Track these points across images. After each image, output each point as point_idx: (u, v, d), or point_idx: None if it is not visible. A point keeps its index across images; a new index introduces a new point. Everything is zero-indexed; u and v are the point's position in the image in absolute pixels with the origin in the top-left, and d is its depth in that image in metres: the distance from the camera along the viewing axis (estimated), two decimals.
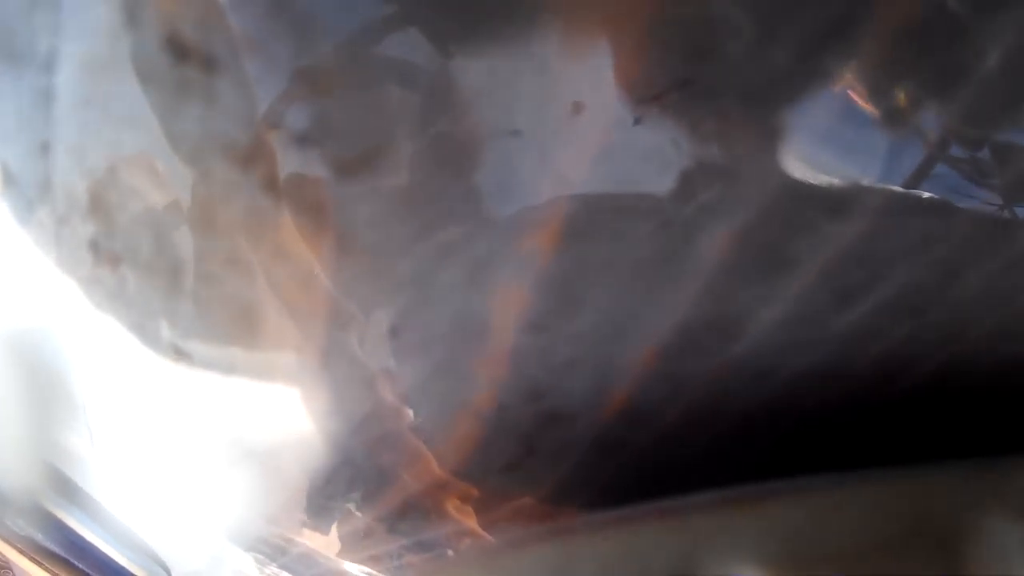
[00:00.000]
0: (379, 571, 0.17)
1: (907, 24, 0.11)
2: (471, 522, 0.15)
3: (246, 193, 0.12)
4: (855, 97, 0.11)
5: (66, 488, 0.20)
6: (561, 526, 0.15)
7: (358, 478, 0.15)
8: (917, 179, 0.12)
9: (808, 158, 0.12)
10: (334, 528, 0.16)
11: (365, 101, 0.11)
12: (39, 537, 0.22)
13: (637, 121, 0.11)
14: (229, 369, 0.14)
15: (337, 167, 0.11)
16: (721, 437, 0.14)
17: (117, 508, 0.20)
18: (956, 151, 0.12)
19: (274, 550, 0.18)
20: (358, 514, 0.15)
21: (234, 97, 0.12)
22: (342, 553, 0.17)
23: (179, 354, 0.14)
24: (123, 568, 0.22)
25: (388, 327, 0.12)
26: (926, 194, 0.12)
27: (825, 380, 0.13)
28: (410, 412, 0.13)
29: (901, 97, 0.11)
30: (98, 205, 0.14)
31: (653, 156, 0.11)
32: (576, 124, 0.11)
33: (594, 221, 0.11)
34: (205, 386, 0.15)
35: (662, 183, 0.11)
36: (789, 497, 0.13)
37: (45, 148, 0.14)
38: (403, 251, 0.12)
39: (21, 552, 0.23)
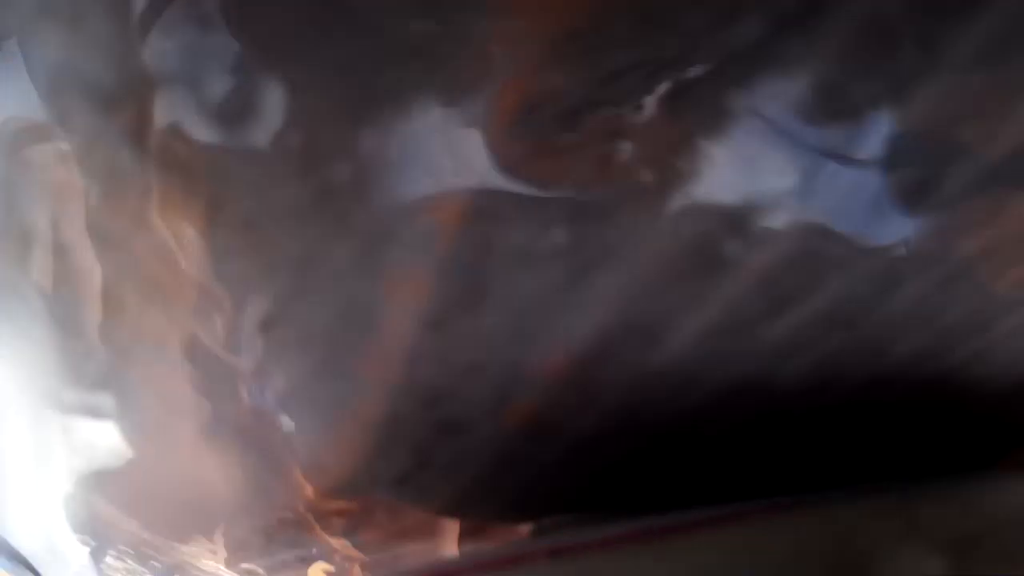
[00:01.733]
0: None
1: (874, 17, 0.10)
2: (350, 538, 0.14)
3: (108, 145, 0.10)
4: (812, 89, 0.10)
5: None
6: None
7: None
8: (861, 185, 0.11)
9: (754, 150, 0.11)
10: (208, 538, 0.14)
11: (251, 42, 0.09)
12: None
13: (561, 96, 0.09)
14: (85, 355, 0.12)
15: (212, 118, 0.10)
16: (636, 452, 0.12)
17: None
18: (902, 159, 0.11)
19: (145, 558, 0.17)
20: (232, 524, 0.14)
21: (102, 26, 0.10)
22: (216, 562, 0.16)
23: (27, 338, 0.13)
24: None
25: (261, 317, 0.11)
26: (869, 201, 0.11)
27: (751, 393, 0.12)
28: (284, 418, 0.12)
29: (857, 94, 0.10)
30: None
31: (582, 137, 0.10)
32: (497, 85, 0.09)
33: (504, 200, 0.10)
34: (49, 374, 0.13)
35: (592, 171, 0.10)
36: (700, 533, 0.12)
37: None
38: (283, 225, 0.10)
39: None
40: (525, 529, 0.13)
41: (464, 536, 0.14)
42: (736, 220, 0.11)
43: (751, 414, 0.12)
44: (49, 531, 0.18)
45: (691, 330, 0.12)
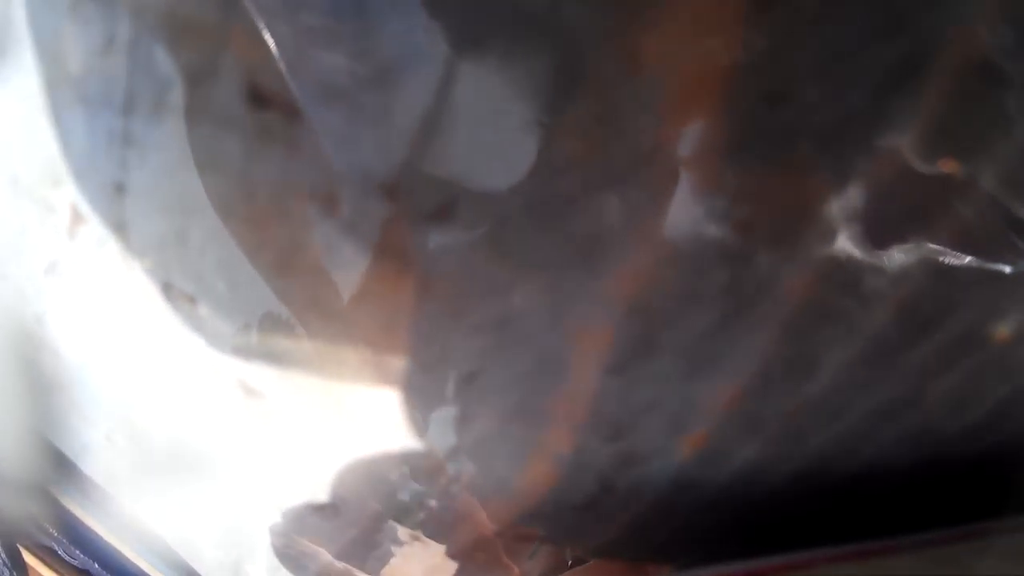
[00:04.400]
0: None
1: (973, 63, 0.11)
2: (536, 562, 0.15)
3: (327, 237, 0.12)
4: (923, 136, 0.11)
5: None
6: None
7: (430, 520, 0.15)
8: (984, 213, 0.12)
9: (881, 196, 0.12)
10: (402, 567, 0.16)
11: (454, 156, 0.11)
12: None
13: (726, 167, 0.11)
14: (303, 409, 0.14)
15: (421, 217, 0.11)
16: (796, 476, 0.14)
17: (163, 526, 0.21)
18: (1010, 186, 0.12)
19: None
20: (427, 552, 0.15)
21: (317, 144, 0.12)
22: None
23: (249, 391, 0.15)
24: None
25: (468, 370, 0.12)
26: (987, 230, 0.12)
27: (899, 414, 0.13)
28: (487, 453, 0.13)
29: (964, 134, 0.11)
30: (174, 247, 0.14)
31: (734, 199, 0.11)
32: (669, 174, 0.11)
33: (676, 261, 0.12)
34: (275, 423, 0.15)
35: (742, 225, 0.11)
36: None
37: (120, 189, 0.14)
38: (486, 295, 0.12)
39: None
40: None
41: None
42: (879, 257, 0.12)
43: (901, 435, 0.14)
44: (238, 555, 0.20)
45: (841, 360, 0.13)
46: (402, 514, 0.15)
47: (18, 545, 0.24)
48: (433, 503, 0.14)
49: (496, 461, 0.13)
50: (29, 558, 0.24)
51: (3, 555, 0.24)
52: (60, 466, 0.20)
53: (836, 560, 0.14)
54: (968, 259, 0.12)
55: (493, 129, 0.10)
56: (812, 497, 0.14)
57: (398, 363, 0.13)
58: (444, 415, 0.13)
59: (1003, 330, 0.13)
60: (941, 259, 0.12)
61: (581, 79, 0.10)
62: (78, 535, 0.22)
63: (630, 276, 0.11)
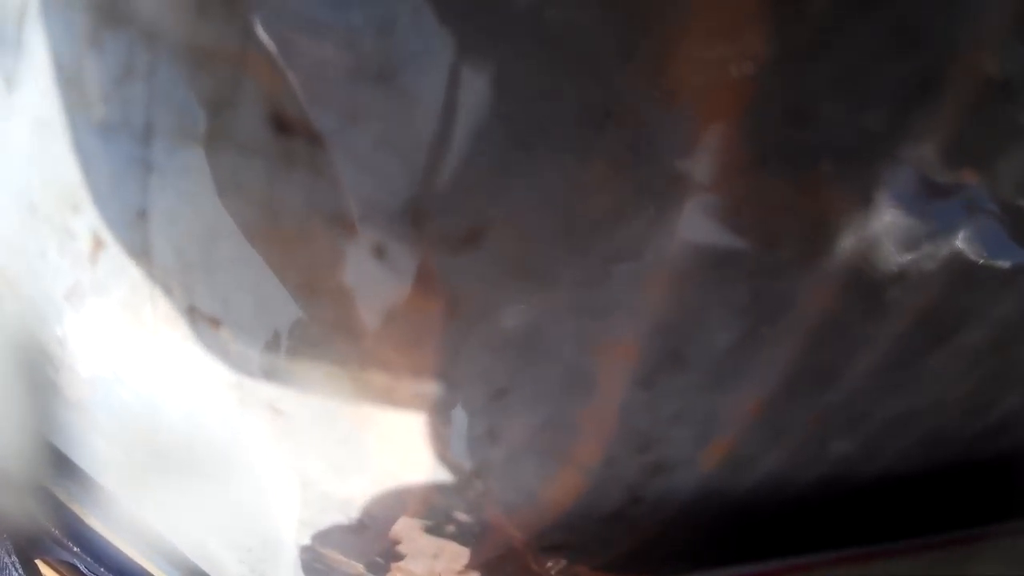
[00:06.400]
0: None
1: (987, 76, 0.11)
2: (565, 572, 0.15)
3: (353, 260, 0.12)
4: (942, 148, 0.11)
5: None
6: None
7: (461, 534, 0.15)
8: (1004, 221, 0.12)
9: (900, 209, 0.12)
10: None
11: (483, 181, 0.11)
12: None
13: (749, 184, 0.11)
14: (329, 428, 0.14)
15: (450, 241, 0.12)
16: (817, 482, 0.14)
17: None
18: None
19: None
20: (455, 564, 0.16)
21: (341, 169, 0.12)
22: None
23: (276, 412, 0.15)
24: None
25: (497, 387, 0.13)
26: (1009, 235, 0.12)
27: (917, 420, 0.14)
28: (516, 467, 0.13)
29: (986, 144, 0.12)
30: (198, 270, 0.14)
31: (757, 215, 0.11)
32: (694, 193, 0.11)
33: (701, 276, 0.12)
34: (301, 442, 0.15)
35: (765, 240, 0.12)
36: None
37: (142, 215, 0.14)
38: (514, 312, 0.12)
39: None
40: None
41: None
42: (898, 267, 0.12)
43: (918, 440, 0.14)
44: (263, 571, 0.20)
45: (862, 368, 0.13)
46: (431, 527, 0.15)
47: (38, 560, 0.24)
48: (462, 516, 0.15)
49: (525, 474, 0.14)
50: (51, 574, 0.24)
51: (19, 569, 0.24)
52: (80, 483, 0.20)
53: (836, 563, 0.14)
54: (986, 267, 0.12)
55: (524, 155, 0.11)
56: (832, 502, 0.14)
57: (425, 381, 0.13)
58: (473, 431, 0.13)
59: (1018, 335, 0.13)
60: (960, 268, 0.12)
61: (610, 110, 0.10)
62: (100, 551, 0.22)
63: (656, 292, 0.12)
